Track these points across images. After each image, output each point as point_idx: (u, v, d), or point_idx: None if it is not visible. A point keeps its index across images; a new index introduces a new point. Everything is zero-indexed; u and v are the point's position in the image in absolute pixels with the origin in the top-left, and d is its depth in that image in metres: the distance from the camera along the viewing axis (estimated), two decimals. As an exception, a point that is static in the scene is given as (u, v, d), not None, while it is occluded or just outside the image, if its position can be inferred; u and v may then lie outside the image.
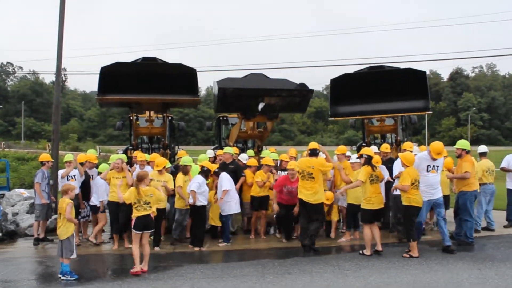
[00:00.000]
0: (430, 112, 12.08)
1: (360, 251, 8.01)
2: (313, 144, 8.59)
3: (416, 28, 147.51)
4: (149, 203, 7.07)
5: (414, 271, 6.89)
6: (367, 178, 7.96)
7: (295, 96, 11.40)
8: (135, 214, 7.04)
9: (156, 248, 8.46)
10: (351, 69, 12.77)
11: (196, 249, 8.50)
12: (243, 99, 11.11)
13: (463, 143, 8.77)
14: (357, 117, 12.78)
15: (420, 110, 11.94)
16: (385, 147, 9.93)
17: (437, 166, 8.06)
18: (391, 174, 8.90)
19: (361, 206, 8.22)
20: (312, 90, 11.65)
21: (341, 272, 6.88)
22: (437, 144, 8.08)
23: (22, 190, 13.57)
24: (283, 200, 8.91)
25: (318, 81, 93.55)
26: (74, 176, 9.27)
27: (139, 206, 7.03)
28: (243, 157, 10.50)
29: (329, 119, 12.92)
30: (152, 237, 8.39)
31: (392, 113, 11.82)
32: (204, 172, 8.79)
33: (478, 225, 9.63)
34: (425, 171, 7.97)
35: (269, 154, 10.53)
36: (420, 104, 11.52)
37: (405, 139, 13.71)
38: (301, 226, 8.47)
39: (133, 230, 7.07)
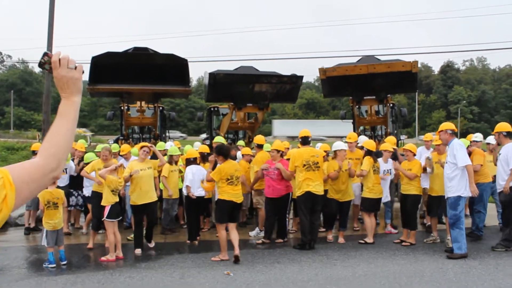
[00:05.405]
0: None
1: (361, 240, 8.13)
2: (306, 132, 8.29)
3: (409, 21, 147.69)
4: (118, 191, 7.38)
5: (401, 261, 7.03)
6: (371, 168, 8.11)
7: (285, 83, 11.54)
8: (113, 200, 7.19)
9: (151, 244, 8.04)
10: (343, 61, 12.80)
11: (188, 242, 8.38)
12: (234, 86, 11.21)
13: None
14: None
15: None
16: (393, 141, 9.53)
17: (499, 154, 7.55)
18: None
19: (363, 195, 8.35)
20: (301, 77, 11.75)
21: (330, 262, 7.00)
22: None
23: (12, 180, 13.51)
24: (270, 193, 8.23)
25: (311, 73, 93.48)
26: (66, 169, 9.20)
27: (114, 191, 7.27)
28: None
29: None
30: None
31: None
32: (193, 162, 8.53)
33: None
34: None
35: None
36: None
37: (395, 131, 13.86)
38: (304, 222, 7.75)
39: (106, 219, 7.17)
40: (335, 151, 8.39)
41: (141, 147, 7.86)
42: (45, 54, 1.57)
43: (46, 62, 1.56)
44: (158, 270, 6.61)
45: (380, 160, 8.53)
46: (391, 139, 9.92)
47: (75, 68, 1.57)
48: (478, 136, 9.60)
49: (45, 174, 1.38)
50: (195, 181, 8.32)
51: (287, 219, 8.43)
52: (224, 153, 7.22)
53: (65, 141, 1.47)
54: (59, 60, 1.54)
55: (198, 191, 8.34)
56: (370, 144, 8.46)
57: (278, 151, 8.17)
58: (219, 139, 10.13)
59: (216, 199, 8.82)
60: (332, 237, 8.39)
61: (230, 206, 7.09)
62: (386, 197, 8.80)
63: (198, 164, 8.65)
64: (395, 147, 9.53)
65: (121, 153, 9.56)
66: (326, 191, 8.22)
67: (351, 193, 8.52)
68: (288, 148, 9.61)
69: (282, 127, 55.24)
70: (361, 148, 9.01)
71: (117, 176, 7.33)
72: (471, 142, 9.13)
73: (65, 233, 8.94)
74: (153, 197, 7.77)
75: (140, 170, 7.50)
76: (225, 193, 7.08)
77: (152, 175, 7.82)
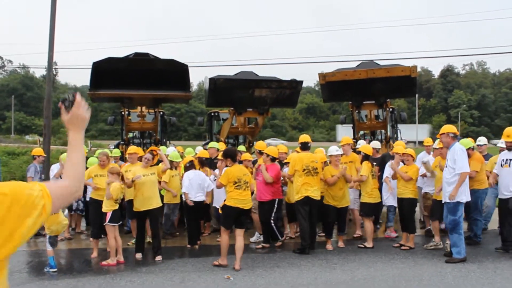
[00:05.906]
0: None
1: (360, 245, 8.15)
2: (305, 137, 8.30)
3: (409, 25, 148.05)
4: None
5: (400, 265, 7.07)
6: (369, 173, 8.16)
7: (285, 87, 11.63)
8: (113, 207, 7.27)
9: (158, 257, 7.54)
10: (343, 66, 12.89)
11: (188, 246, 8.40)
12: (234, 91, 11.31)
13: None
14: None
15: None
16: (402, 145, 9.57)
17: (509, 160, 7.51)
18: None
19: (362, 200, 8.38)
20: (301, 82, 11.83)
21: (329, 266, 7.04)
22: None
23: (13, 185, 13.53)
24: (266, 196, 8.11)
25: (311, 78, 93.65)
26: None
27: (117, 200, 7.36)
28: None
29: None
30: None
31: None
32: (190, 167, 8.55)
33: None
34: (500, 166, 7.73)
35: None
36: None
37: (395, 135, 13.92)
38: (304, 227, 7.79)
39: (108, 224, 7.23)
40: (329, 156, 8.37)
41: (148, 152, 7.96)
42: (73, 95, 1.83)
43: (69, 100, 1.82)
44: (159, 274, 6.65)
45: (390, 163, 8.43)
46: (401, 143, 9.94)
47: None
48: (481, 140, 9.53)
49: (71, 193, 1.69)
50: (192, 186, 8.32)
51: (272, 224, 8.18)
52: (231, 155, 7.22)
53: (81, 166, 1.80)
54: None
55: (197, 196, 8.37)
56: (367, 148, 8.50)
57: (268, 154, 8.04)
58: (213, 145, 10.17)
59: (213, 205, 8.93)
60: (332, 246, 8.16)
61: (236, 212, 7.00)
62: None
63: (197, 169, 8.69)
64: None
65: (126, 154, 9.61)
66: (322, 197, 8.20)
67: (348, 199, 8.43)
68: (286, 153, 9.64)
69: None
70: (358, 152, 9.03)
71: (120, 182, 7.36)
72: (473, 146, 9.06)
73: (66, 238, 9.04)
74: (156, 204, 7.67)
75: (143, 176, 7.51)
76: (232, 199, 6.97)
77: (155, 181, 7.75)
